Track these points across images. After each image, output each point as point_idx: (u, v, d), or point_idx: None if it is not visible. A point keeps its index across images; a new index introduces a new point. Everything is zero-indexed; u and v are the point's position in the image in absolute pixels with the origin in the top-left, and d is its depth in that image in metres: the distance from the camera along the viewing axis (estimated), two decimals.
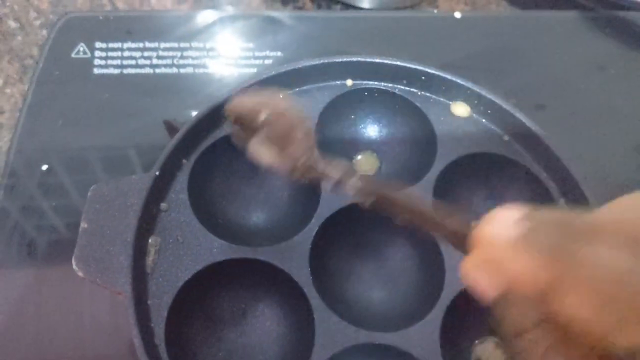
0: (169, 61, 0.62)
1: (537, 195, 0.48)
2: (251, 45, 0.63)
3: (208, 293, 0.43)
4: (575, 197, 0.47)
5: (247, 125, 0.34)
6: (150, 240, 0.42)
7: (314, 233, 0.43)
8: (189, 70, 0.61)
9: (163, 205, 0.43)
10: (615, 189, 0.58)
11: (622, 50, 0.67)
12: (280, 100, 0.35)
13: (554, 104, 0.61)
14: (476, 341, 0.45)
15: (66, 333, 0.47)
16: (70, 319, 0.48)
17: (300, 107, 0.35)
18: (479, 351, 0.45)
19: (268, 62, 0.62)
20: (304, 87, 0.49)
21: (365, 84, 0.50)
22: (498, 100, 0.49)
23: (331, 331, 0.40)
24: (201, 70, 0.62)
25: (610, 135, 0.62)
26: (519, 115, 0.48)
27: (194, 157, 0.45)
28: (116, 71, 0.61)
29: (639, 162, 0.61)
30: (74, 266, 0.39)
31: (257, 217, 0.48)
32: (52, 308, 0.48)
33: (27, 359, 0.46)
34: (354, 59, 0.49)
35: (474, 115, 0.50)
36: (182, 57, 0.62)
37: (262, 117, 0.33)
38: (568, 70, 0.65)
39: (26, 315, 0.47)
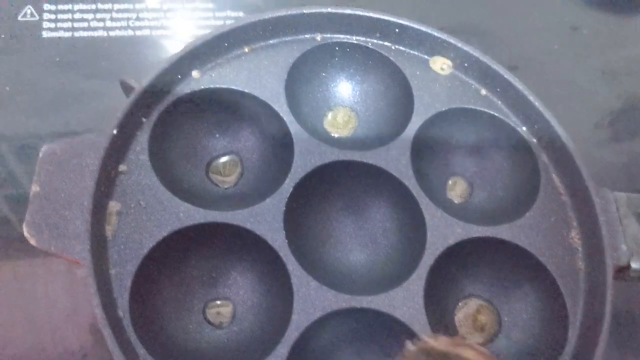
0: (123, 23, 0.58)
1: (518, 151, 0.46)
2: (210, 5, 0.60)
3: (175, 261, 0.39)
4: (557, 151, 0.45)
5: None
6: (109, 206, 0.38)
7: (288, 194, 0.40)
8: (146, 32, 0.58)
9: (122, 167, 0.39)
10: (591, 147, 0.58)
11: (595, 11, 0.66)
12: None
13: (527, 65, 0.60)
14: (459, 303, 0.43)
15: (21, 318, 0.43)
16: (25, 303, 0.44)
17: None
18: (463, 313, 0.43)
19: (229, 22, 0.58)
20: (270, 42, 0.46)
21: (336, 38, 0.47)
22: (475, 53, 0.46)
23: (310, 297, 0.38)
24: (159, 33, 0.58)
25: (583, 95, 0.61)
26: (498, 68, 0.46)
27: (154, 115, 0.41)
28: (67, 34, 0.57)
29: (612, 119, 0.60)
30: (25, 233, 0.35)
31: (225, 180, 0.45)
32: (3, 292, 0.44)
33: None
34: (323, 10, 0.46)
35: (452, 70, 0.48)
36: (137, 19, 0.58)
37: None
38: (541, 31, 0.64)
39: None
